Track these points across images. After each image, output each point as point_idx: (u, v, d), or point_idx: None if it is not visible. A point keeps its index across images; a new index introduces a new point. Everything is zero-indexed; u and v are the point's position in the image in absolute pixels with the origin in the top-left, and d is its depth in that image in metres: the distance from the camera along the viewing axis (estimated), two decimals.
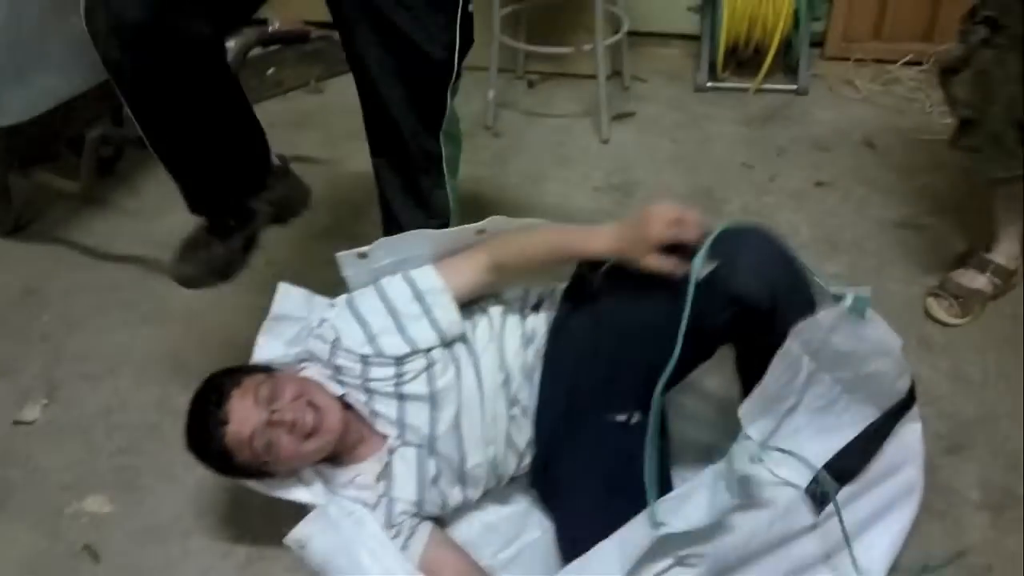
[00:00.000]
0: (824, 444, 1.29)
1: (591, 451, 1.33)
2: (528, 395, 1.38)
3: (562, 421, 1.35)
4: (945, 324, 1.81)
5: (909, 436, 1.38)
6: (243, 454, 1.28)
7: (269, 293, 1.98)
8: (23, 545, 1.48)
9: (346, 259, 1.44)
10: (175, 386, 1.77)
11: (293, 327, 1.47)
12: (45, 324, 1.97)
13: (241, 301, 1.98)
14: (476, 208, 1.65)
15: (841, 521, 1.26)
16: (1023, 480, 1.50)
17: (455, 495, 1.37)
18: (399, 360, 1.33)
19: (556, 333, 1.40)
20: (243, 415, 1.27)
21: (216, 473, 1.36)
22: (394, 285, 1.39)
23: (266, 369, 1.38)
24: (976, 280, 1.83)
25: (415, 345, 1.33)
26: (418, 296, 1.37)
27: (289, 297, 1.51)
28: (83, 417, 1.72)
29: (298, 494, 1.36)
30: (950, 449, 1.54)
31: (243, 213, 1.60)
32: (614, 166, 2.43)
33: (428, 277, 1.39)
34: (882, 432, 1.31)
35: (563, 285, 1.45)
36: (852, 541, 1.29)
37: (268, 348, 1.47)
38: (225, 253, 1.60)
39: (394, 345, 1.34)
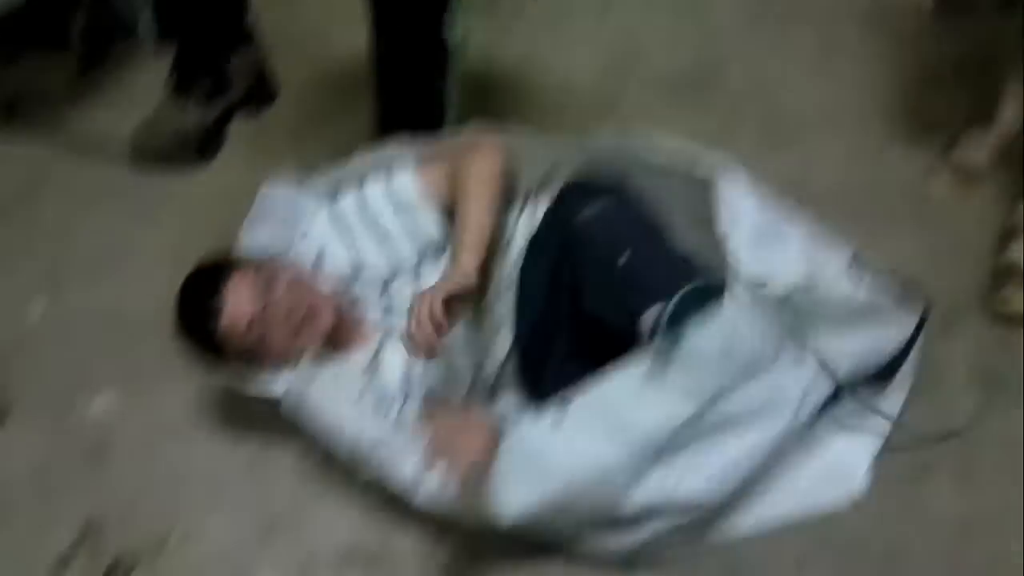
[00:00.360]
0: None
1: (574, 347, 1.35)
2: (507, 303, 1.39)
3: (541, 323, 1.37)
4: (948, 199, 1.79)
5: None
6: (236, 343, 1.30)
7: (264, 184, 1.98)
8: (31, 443, 1.53)
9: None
10: (177, 281, 1.77)
11: (276, 228, 1.46)
12: (43, 221, 1.96)
13: (240, 195, 1.97)
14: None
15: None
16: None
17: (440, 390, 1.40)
18: (385, 282, 1.34)
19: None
20: (239, 304, 1.29)
21: (202, 362, 1.38)
22: (377, 198, 1.38)
23: (257, 260, 1.39)
24: (975, 156, 1.80)
25: (399, 265, 1.34)
26: (401, 210, 1.35)
27: (273, 197, 1.49)
28: (86, 315, 1.74)
29: (277, 388, 1.37)
30: (940, 329, 1.54)
31: (219, 76, 1.55)
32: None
33: (408, 190, 1.37)
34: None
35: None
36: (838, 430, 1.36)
37: (253, 245, 1.47)
38: (198, 122, 1.57)
39: (379, 267, 1.34)
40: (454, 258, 1.32)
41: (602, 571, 1.30)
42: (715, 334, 1.19)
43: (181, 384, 1.59)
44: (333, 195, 1.45)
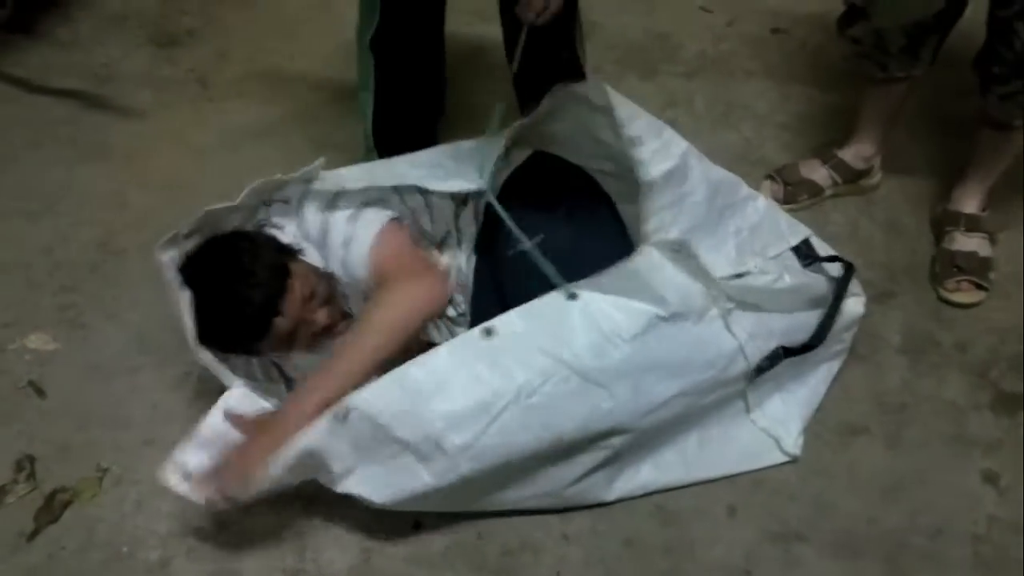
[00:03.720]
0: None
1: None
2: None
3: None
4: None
5: (852, 308, 1.43)
6: (275, 336, 1.27)
7: (211, 131, 1.96)
8: None
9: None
10: (117, 225, 1.75)
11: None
12: None
13: (183, 140, 1.95)
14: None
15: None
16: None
17: None
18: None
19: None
20: (293, 311, 1.26)
21: (211, 347, 1.29)
22: (335, 242, 1.33)
23: (292, 252, 1.33)
24: (815, 171, 1.79)
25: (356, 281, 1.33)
26: (349, 270, 1.33)
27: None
28: (23, 254, 1.70)
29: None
30: (878, 297, 1.59)
31: None
32: None
33: (359, 265, 1.32)
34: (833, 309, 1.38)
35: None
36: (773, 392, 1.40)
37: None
38: None
39: (346, 275, 1.34)
40: (299, 391, 1.23)
41: (539, 519, 1.32)
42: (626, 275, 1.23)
43: (118, 325, 1.58)
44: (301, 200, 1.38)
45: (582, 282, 1.23)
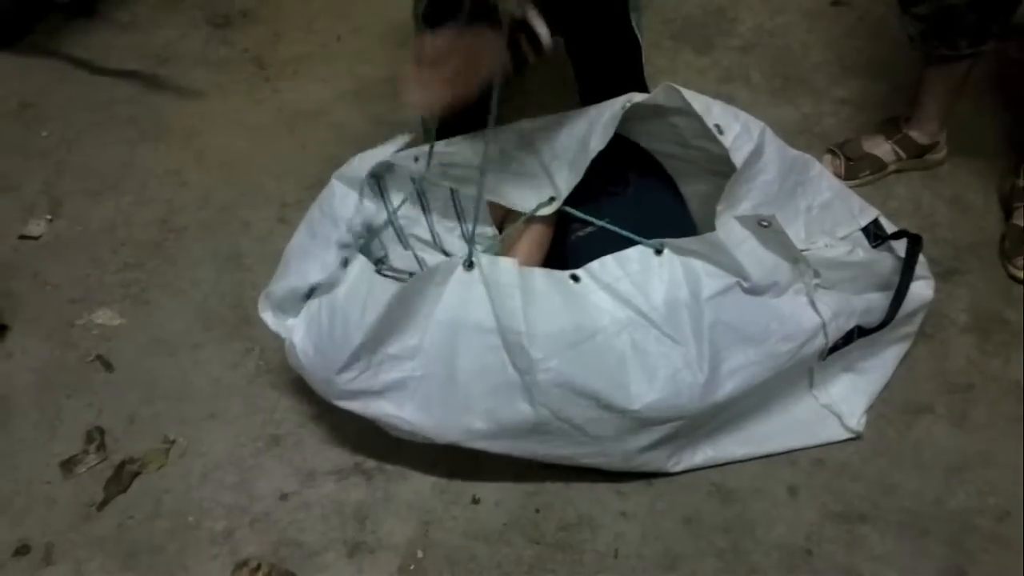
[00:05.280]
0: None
1: None
2: None
3: None
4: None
5: (921, 291, 1.40)
6: None
7: (267, 110, 1.98)
8: (37, 355, 1.54)
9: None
10: (177, 203, 1.78)
11: None
12: (44, 140, 1.95)
13: (240, 120, 1.97)
14: None
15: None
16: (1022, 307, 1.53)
17: None
18: None
19: None
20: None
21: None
22: None
23: None
24: (878, 146, 1.75)
25: None
26: None
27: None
28: (88, 233, 1.74)
29: None
30: (943, 275, 1.56)
31: None
32: None
33: None
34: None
35: None
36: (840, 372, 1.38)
37: None
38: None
39: None
40: None
41: (595, 491, 1.32)
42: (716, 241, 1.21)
43: (181, 302, 1.60)
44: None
45: (667, 240, 1.24)
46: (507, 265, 1.19)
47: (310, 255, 1.28)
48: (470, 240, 1.32)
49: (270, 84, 2.06)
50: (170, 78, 2.08)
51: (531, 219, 1.34)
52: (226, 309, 1.58)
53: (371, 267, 1.29)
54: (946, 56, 1.61)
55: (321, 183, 1.35)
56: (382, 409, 1.24)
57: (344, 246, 1.27)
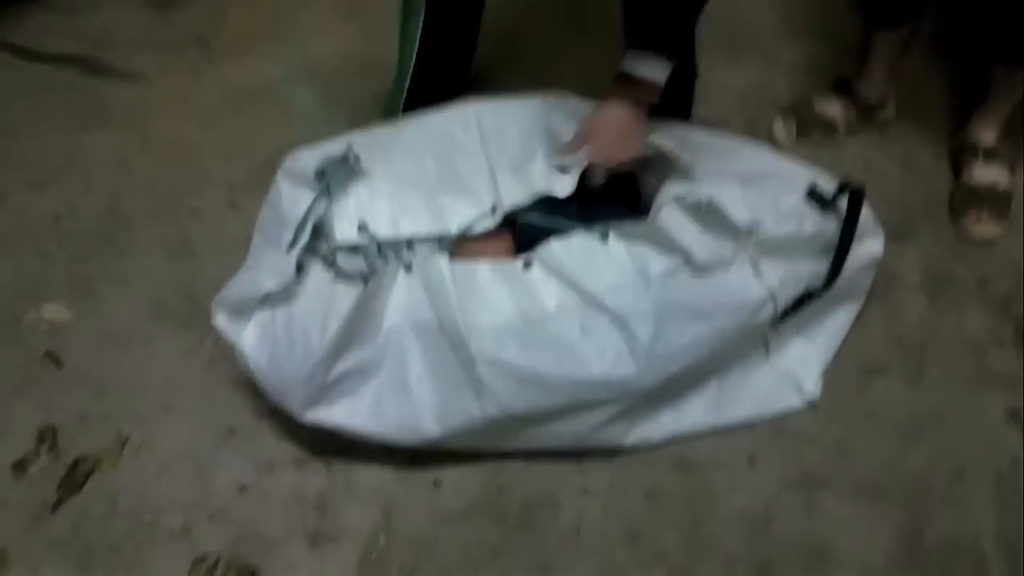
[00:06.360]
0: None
1: None
2: None
3: None
4: (777, 143, 1.74)
5: (870, 249, 1.40)
6: None
7: (213, 92, 1.93)
8: None
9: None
10: (123, 192, 1.74)
11: None
12: None
13: (185, 102, 1.92)
14: None
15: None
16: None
17: None
18: None
19: None
20: None
21: None
22: None
23: None
24: (829, 107, 1.74)
25: None
26: None
27: None
28: (32, 226, 1.69)
29: None
30: (895, 235, 1.56)
31: None
32: None
33: None
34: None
35: None
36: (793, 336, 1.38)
37: None
38: None
39: None
40: None
41: (557, 468, 1.32)
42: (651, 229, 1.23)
43: (131, 293, 1.57)
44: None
45: (612, 227, 1.24)
46: (439, 263, 1.19)
47: (264, 260, 1.26)
48: (408, 243, 1.31)
49: (215, 64, 2.01)
50: (111, 62, 2.02)
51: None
52: (177, 299, 1.55)
53: (329, 276, 1.27)
54: (888, 23, 1.61)
55: (271, 165, 1.32)
56: (335, 419, 1.24)
57: (295, 250, 1.25)
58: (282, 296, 1.25)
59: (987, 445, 1.33)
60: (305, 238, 1.26)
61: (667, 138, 1.31)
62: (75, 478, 1.33)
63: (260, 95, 1.92)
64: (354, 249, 1.30)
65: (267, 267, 1.25)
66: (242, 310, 1.27)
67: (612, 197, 1.37)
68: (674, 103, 1.55)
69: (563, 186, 1.32)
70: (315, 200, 1.27)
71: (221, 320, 1.28)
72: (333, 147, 1.30)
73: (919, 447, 1.33)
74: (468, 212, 1.31)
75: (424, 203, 1.31)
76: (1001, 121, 1.63)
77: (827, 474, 1.31)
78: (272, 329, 1.25)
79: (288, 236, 1.25)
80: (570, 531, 1.27)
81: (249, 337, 1.26)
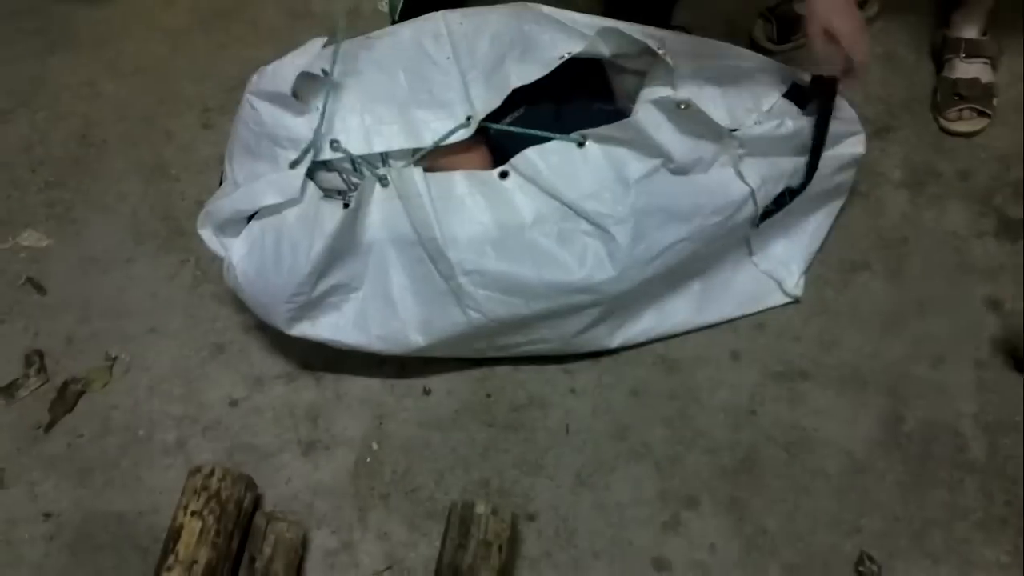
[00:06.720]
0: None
1: None
2: None
3: None
4: (759, 46, 1.71)
5: (852, 148, 1.39)
6: None
7: (180, 11, 1.89)
8: None
9: None
10: (94, 116, 1.71)
11: None
12: None
13: (153, 23, 1.87)
14: None
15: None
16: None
17: None
18: None
19: None
20: None
21: None
22: None
23: None
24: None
25: None
26: None
27: None
28: (3, 154, 1.67)
29: None
30: (877, 132, 1.56)
31: None
32: None
33: None
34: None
35: None
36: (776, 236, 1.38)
37: None
38: None
39: None
40: None
41: (544, 372, 1.34)
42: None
43: (109, 218, 1.56)
44: None
45: (588, 131, 1.22)
46: (414, 175, 1.17)
47: (260, 176, 1.24)
48: (383, 157, 1.29)
49: None
50: None
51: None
52: (157, 221, 1.54)
53: (319, 192, 1.26)
54: None
55: (242, 83, 1.29)
56: (320, 333, 1.25)
57: (302, 167, 1.23)
58: (271, 211, 1.24)
59: (967, 333, 1.35)
60: (311, 156, 1.24)
61: (648, 39, 1.28)
62: (66, 399, 1.34)
63: (229, 13, 1.87)
64: (326, 164, 1.28)
65: (268, 184, 1.22)
66: (230, 225, 1.26)
67: (585, 90, 1.35)
68: (654, 7, 1.53)
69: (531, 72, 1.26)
70: (321, 118, 1.25)
71: (206, 235, 1.27)
72: (300, 60, 1.26)
73: (900, 337, 1.35)
74: (442, 124, 1.28)
75: (397, 117, 1.29)
76: (983, 16, 1.61)
77: (809, 367, 1.33)
78: (261, 243, 1.24)
79: (285, 155, 1.23)
80: (559, 429, 1.29)
81: (239, 249, 1.25)
